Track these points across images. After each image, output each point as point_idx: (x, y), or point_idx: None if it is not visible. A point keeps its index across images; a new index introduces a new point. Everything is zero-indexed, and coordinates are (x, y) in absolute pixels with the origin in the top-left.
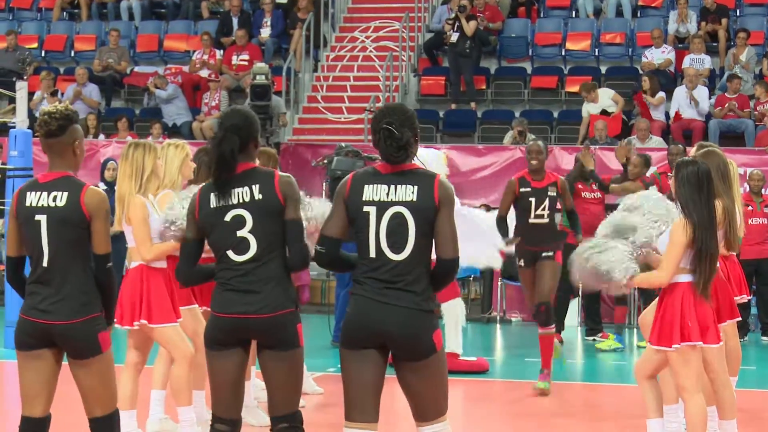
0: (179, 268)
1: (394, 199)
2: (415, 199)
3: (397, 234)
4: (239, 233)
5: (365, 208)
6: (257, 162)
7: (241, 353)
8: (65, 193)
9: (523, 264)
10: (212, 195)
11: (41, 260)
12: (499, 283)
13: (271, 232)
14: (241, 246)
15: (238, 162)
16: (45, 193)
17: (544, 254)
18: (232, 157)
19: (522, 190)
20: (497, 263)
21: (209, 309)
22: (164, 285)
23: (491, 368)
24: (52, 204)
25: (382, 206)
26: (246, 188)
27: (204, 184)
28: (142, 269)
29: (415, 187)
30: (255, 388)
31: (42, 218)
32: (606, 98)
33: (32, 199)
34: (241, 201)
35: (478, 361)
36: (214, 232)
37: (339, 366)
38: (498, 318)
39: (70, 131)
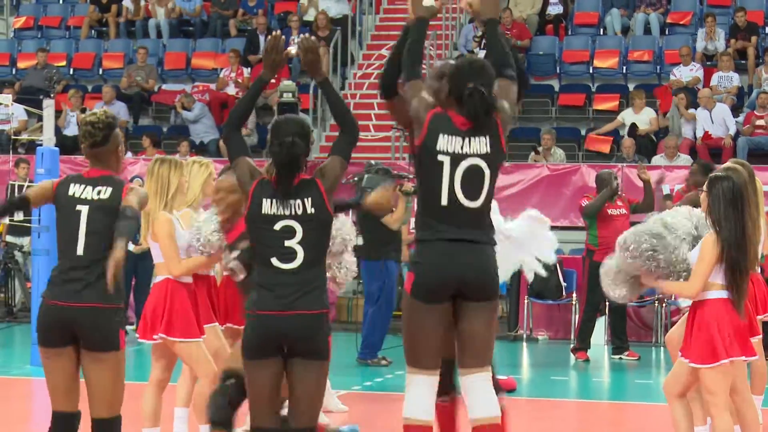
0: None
1: (468, 152)
2: (488, 151)
3: (472, 184)
4: (288, 243)
5: (440, 158)
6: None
7: (279, 361)
8: (109, 188)
9: None
10: (266, 201)
11: (75, 249)
12: (526, 301)
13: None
14: (288, 255)
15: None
16: (90, 187)
17: None
18: (298, 163)
19: None
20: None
21: (231, 325)
22: (188, 300)
23: (518, 387)
24: (95, 197)
25: (456, 157)
26: (299, 200)
27: (261, 179)
28: (167, 283)
29: (487, 138)
30: None
31: (83, 209)
32: (645, 115)
33: (75, 190)
34: (294, 213)
35: (508, 380)
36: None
37: (364, 384)
38: (524, 336)
39: (113, 138)
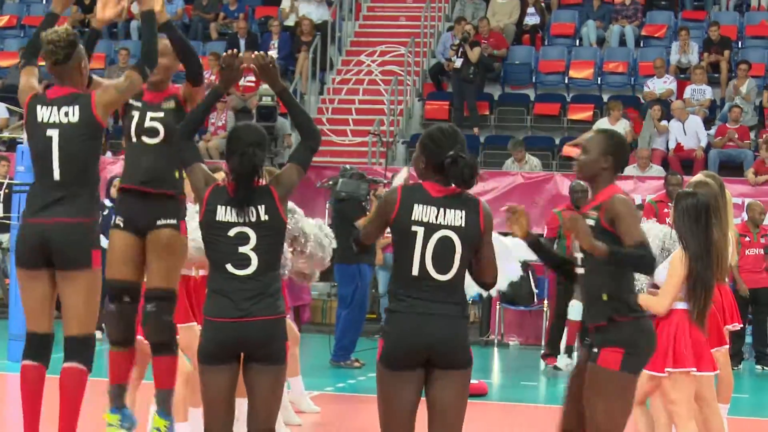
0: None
1: (443, 223)
2: (463, 225)
3: (443, 256)
4: (241, 249)
5: (413, 228)
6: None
7: (234, 368)
8: (76, 107)
9: None
10: (221, 208)
11: (51, 174)
12: (498, 307)
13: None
14: (242, 261)
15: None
16: (55, 108)
17: None
18: (255, 172)
19: None
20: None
21: None
22: None
23: (489, 391)
24: (64, 120)
25: (430, 228)
26: (253, 208)
27: (215, 185)
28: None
29: (463, 212)
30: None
31: (53, 133)
32: (620, 126)
33: (43, 114)
34: (247, 220)
35: (479, 384)
36: (213, 245)
37: (337, 386)
38: (496, 341)
39: (75, 55)
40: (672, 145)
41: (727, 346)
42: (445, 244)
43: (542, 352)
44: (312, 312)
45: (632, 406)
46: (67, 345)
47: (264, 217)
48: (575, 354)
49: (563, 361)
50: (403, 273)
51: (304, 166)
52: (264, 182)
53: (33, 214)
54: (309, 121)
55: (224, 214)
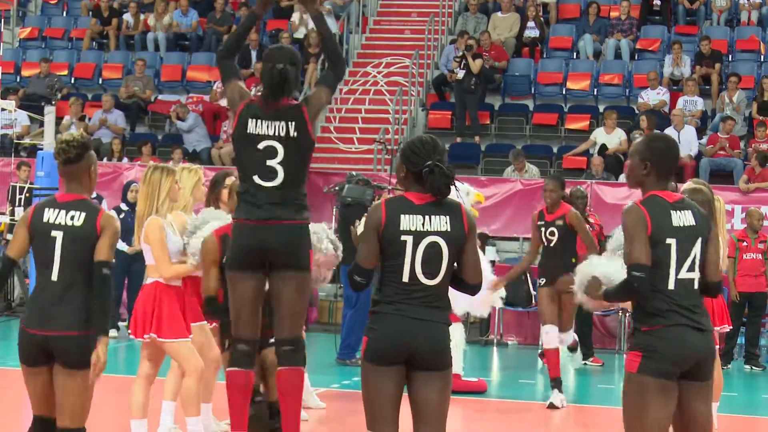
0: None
1: (429, 229)
2: (449, 229)
3: (431, 262)
4: (269, 162)
5: (402, 237)
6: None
7: (260, 277)
8: (83, 214)
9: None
10: (251, 120)
11: (50, 274)
12: (497, 307)
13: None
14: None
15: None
16: (63, 212)
17: None
18: (288, 84)
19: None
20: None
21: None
22: (177, 302)
23: (488, 388)
24: (69, 223)
25: (418, 235)
26: (282, 123)
27: (249, 100)
28: (156, 285)
29: (448, 218)
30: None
31: (58, 235)
32: (616, 136)
33: (50, 215)
34: (276, 134)
35: (478, 382)
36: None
37: (342, 383)
38: (495, 341)
39: (86, 158)
40: None
41: (718, 346)
42: (433, 250)
43: (539, 351)
44: (320, 312)
45: (659, 410)
46: None
47: (293, 133)
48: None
49: (557, 398)
50: (392, 280)
51: (332, 88)
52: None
53: (29, 320)
54: (337, 47)
55: (255, 127)
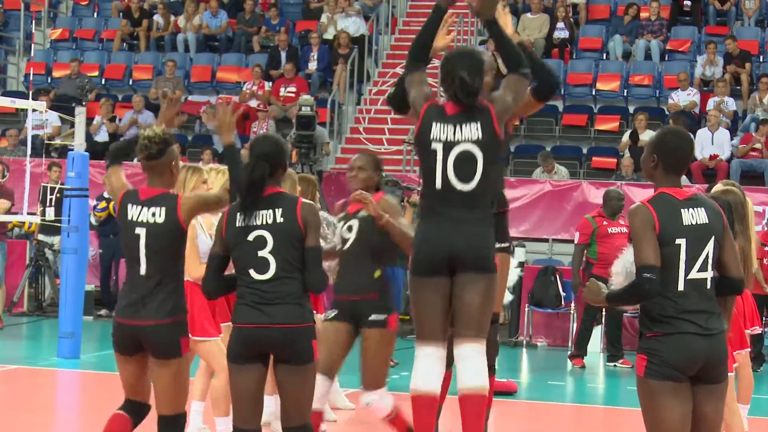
0: (206, 279)
1: (460, 139)
2: (480, 136)
3: (464, 168)
4: (260, 253)
5: (433, 146)
6: (285, 187)
7: (260, 367)
8: (163, 209)
9: None
10: (238, 215)
11: (138, 269)
12: (526, 309)
13: (290, 255)
14: (262, 265)
15: (267, 186)
16: (145, 209)
17: None
18: (261, 182)
19: None
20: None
21: None
22: (207, 302)
23: (518, 389)
24: (151, 220)
25: (448, 144)
26: (270, 211)
27: (233, 204)
28: (187, 285)
29: (478, 123)
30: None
31: (141, 231)
32: (647, 137)
33: (133, 213)
34: (264, 223)
35: (508, 383)
36: (237, 249)
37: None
38: (524, 342)
39: (168, 153)
40: (698, 155)
41: (749, 349)
42: (466, 157)
43: (569, 352)
44: None
45: (671, 410)
46: (160, 423)
47: (280, 219)
48: None
49: None
50: (428, 187)
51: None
52: (300, 190)
53: (121, 312)
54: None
55: (242, 221)
